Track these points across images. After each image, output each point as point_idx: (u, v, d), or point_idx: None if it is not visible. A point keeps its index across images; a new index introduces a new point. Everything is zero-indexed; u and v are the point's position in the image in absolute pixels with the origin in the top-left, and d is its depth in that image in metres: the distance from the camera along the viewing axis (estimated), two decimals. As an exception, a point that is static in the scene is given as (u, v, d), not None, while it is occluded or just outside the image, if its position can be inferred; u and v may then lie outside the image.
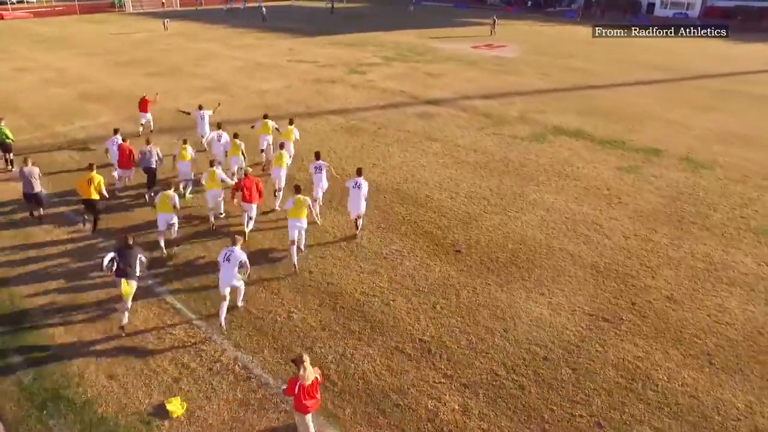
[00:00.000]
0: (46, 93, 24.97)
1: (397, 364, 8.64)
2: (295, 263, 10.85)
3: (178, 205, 11.64)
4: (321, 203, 13.28)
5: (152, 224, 12.01)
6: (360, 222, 12.30)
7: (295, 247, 10.89)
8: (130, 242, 9.37)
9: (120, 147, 14.04)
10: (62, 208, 13.66)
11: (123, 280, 8.96)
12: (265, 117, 16.08)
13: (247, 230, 12.03)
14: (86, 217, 12.34)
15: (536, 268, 11.33)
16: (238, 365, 8.53)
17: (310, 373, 6.69)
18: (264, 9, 55.39)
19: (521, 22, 57.64)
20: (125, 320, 9.19)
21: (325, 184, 12.91)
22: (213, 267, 10.50)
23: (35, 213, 13.08)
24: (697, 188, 15.51)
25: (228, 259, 9.04)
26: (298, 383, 6.64)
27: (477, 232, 12.77)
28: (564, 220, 13.47)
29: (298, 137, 15.62)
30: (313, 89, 25.03)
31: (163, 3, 69.94)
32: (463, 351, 8.92)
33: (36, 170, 12.82)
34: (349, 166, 16.41)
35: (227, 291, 9.20)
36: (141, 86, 25.90)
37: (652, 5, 71.27)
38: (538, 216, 13.64)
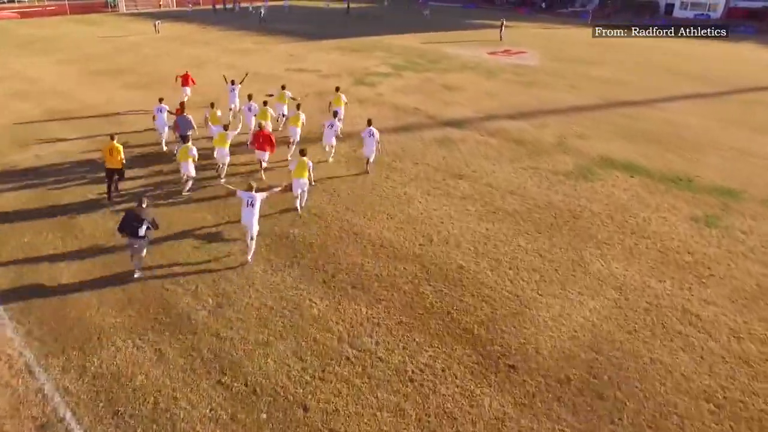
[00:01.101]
0: (9, 108, 21.66)
1: None
2: (299, 207, 13.22)
3: (195, 157, 13.88)
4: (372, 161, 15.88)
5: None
6: (372, 160, 15.79)
7: (298, 200, 13.16)
8: (144, 204, 10.30)
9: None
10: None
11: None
12: (283, 87, 19.06)
13: (262, 172, 15.09)
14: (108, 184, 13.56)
15: (627, 399, 7.96)
16: None
17: None
18: (263, 10, 52.15)
19: (533, 25, 54.22)
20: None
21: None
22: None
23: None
24: (805, 251, 12.13)
25: (251, 203, 10.68)
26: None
27: (533, 330, 9.39)
28: (645, 307, 10.09)
29: (346, 100, 18.91)
30: (315, 107, 21.68)
31: (160, 4, 66.66)
32: None
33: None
34: (357, 219, 13.09)
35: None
36: (117, 102, 22.60)
37: (671, 6, 67.67)
38: (610, 300, 10.27)
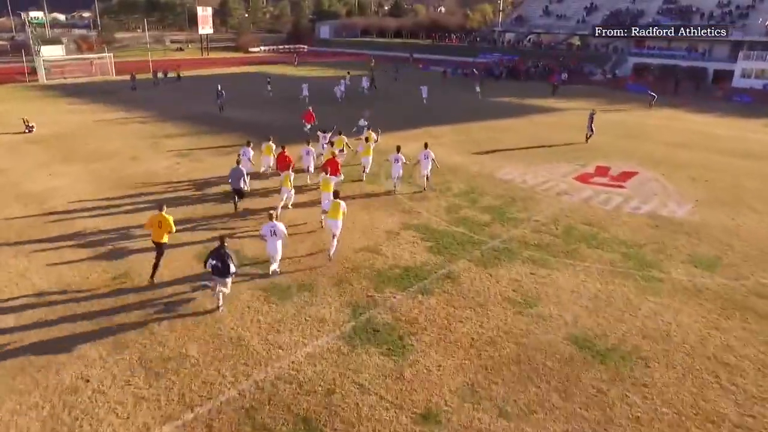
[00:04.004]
0: None
1: None
2: (331, 254, 12.97)
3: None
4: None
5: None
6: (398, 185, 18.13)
7: (334, 239, 12.95)
8: (224, 243, 10.54)
9: (279, 155, 17.37)
10: None
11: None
12: (340, 133, 20.26)
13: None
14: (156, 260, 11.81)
15: None
16: None
17: None
18: (223, 93, 33.72)
19: (591, 103, 39.13)
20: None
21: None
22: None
23: None
24: None
25: (274, 233, 11.47)
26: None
27: None
28: None
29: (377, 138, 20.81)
30: None
31: (92, 72, 51.98)
32: None
33: None
34: None
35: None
36: None
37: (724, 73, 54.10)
38: None
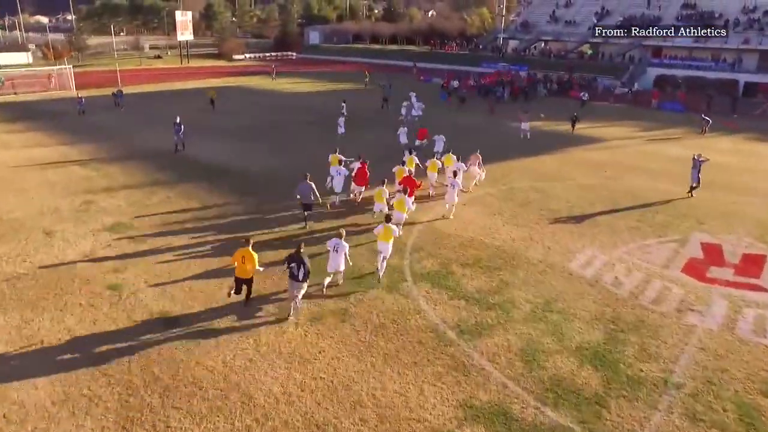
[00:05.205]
0: None
1: None
2: (380, 276, 12.92)
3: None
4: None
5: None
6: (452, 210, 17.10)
7: (383, 261, 12.92)
8: (302, 250, 11.11)
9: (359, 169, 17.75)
10: None
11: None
12: (410, 152, 19.84)
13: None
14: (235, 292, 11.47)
15: None
16: None
17: None
18: (182, 127, 25.18)
19: (644, 135, 32.92)
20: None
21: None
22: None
23: None
24: None
25: (336, 250, 11.83)
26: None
27: None
28: None
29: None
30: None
31: (50, 86, 44.90)
32: None
33: None
34: None
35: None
36: None
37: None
38: None
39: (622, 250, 15.42)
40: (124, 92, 38.88)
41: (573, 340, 10.99)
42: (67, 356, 10.00)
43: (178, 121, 25.04)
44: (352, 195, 18.50)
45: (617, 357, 10.49)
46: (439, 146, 23.73)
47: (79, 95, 36.79)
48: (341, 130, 28.25)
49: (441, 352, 10.42)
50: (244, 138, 28.88)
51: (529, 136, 30.06)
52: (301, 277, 10.86)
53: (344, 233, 12.28)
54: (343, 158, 18.62)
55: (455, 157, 19.64)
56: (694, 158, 20.25)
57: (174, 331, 10.85)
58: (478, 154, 20.53)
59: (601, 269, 14.23)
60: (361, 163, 18.02)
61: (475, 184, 20.47)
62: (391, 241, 12.95)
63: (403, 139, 25.69)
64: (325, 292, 12.14)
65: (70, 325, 11.00)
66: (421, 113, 33.88)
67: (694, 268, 14.42)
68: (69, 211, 17.44)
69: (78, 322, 11.11)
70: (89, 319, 11.23)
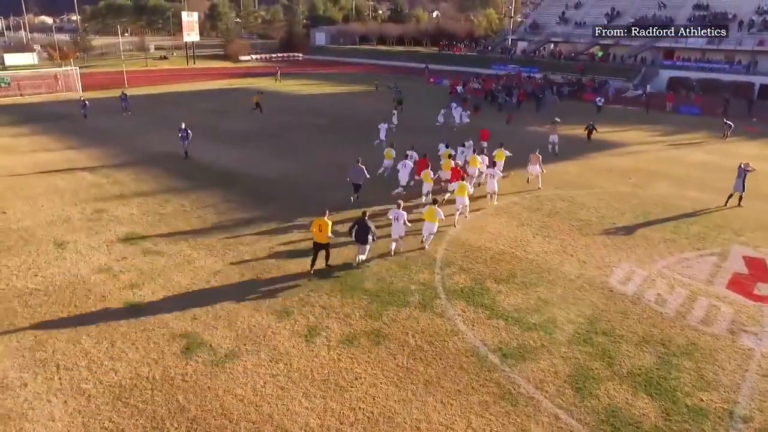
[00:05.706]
0: None
1: None
2: (426, 245, 14.72)
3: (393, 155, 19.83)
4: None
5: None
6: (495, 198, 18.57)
7: (430, 236, 14.62)
8: (366, 216, 13.18)
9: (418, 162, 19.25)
10: None
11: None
12: (447, 146, 21.36)
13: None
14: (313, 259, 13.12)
15: None
16: None
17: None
18: (189, 133, 24.09)
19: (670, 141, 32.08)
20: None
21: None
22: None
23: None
24: None
25: (397, 219, 13.79)
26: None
27: None
28: None
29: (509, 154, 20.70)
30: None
31: (57, 88, 44.33)
32: None
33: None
34: None
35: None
36: None
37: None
38: None
39: (660, 264, 14.67)
40: (128, 95, 38.10)
41: (623, 365, 10.27)
42: (86, 383, 9.32)
43: (183, 126, 24.21)
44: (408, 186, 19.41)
45: (673, 384, 9.76)
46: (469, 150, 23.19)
47: (82, 98, 36.06)
48: (383, 135, 26.67)
49: (485, 379, 9.71)
50: (254, 142, 28.22)
51: (557, 150, 26.81)
52: (369, 239, 13.02)
53: (402, 203, 14.31)
54: (409, 151, 20.40)
55: (480, 158, 20.26)
56: (740, 167, 19.43)
57: (198, 353, 10.17)
58: (537, 153, 20.74)
59: (642, 285, 13.49)
60: (420, 156, 19.74)
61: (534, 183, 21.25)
62: (436, 223, 14.33)
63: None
64: (393, 253, 14.25)
65: (87, 347, 10.32)
66: (468, 120, 32.80)
67: (740, 285, 13.67)
68: (80, 221, 16.80)
69: (95, 344, 10.44)
70: (107, 340, 10.55)
